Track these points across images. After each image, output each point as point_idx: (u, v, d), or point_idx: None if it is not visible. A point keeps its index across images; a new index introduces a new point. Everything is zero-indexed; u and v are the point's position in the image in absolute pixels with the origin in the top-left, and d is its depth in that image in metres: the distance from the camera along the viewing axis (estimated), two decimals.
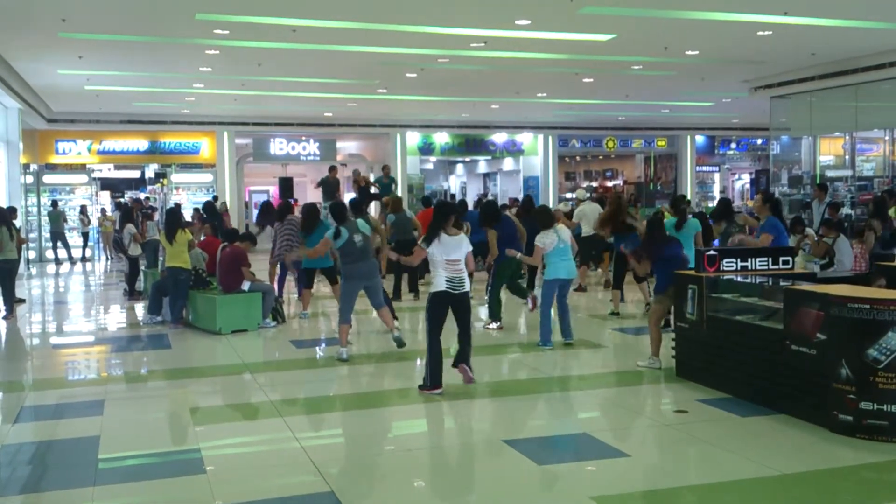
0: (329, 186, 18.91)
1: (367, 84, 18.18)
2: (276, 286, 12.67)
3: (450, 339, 7.75)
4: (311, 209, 11.85)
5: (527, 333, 10.50)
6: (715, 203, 29.01)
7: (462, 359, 7.49)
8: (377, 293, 9.10)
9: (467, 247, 7.47)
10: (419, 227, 13.29)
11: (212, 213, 16.58)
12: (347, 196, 22.91)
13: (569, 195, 24.95)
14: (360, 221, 9.15)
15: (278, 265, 12.96)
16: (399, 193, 21.16)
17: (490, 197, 28.45)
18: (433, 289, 7.42)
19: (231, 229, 12.60)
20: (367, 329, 11.16)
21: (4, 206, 15.80)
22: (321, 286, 13.39)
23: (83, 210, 22.57)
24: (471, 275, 7.65)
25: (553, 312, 9.40)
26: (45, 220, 22.26)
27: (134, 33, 12.64)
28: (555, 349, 9.36)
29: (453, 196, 28.82)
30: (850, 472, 5.36)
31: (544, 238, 9.22)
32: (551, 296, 9.31)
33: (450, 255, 7.31)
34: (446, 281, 7.31)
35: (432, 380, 7.34)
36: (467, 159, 30.66)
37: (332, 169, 19.63)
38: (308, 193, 32.12)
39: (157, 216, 21.69)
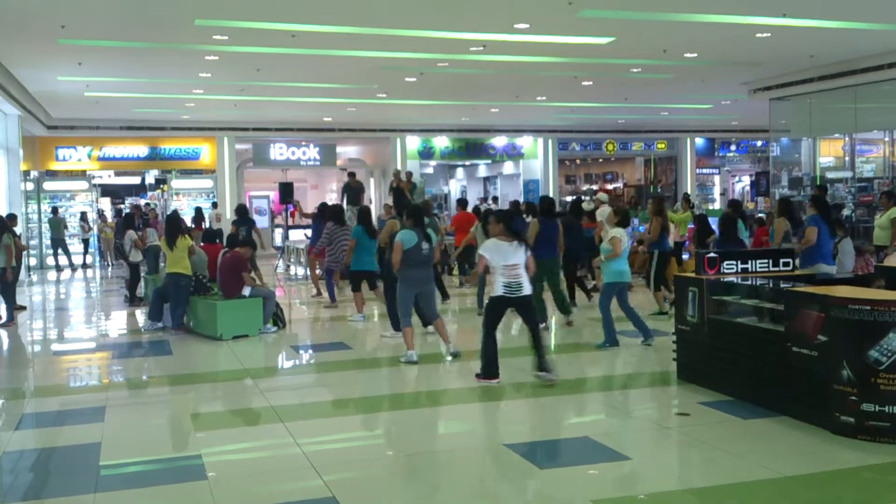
0: (353, 191, 19.10)
1: (367, 88, 18.19)
2: (325, 294, 12.98)
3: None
4: (366, 212, 12.22)
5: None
6: (716, 206, 29.18)
7: (540, 366, 7.73)
8: (430, 302, 9.09)
9: (525, 252, 7.64)
10: (442, 234, 13.37)
11: (243, 218, 16.43)
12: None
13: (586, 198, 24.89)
14: (429, 230, 9.13)
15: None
16: (418, 199, 21.30)
17: (490, 201, 28.47)
18: (492, 293, 7.69)
19: (232, 234, 12.60)
20: (376, 332, 11.16)
21: (4, 213, 15.83)
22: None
23: (83, 217, 22.58)
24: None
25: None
26: (45, 226, 22.26)
27: (133, 39, 12.64)
28: (558, 353, 9.36)
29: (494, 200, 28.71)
30: (851, 473, 5.35)
31: (623, 235, 9.37)
32: (610, 297, 9.41)
33: (507, 261, 7.51)
34: (504, 286, 7.55)
35: (486, 371, 7.68)
36: (467, 163, 30.66)
37: (352, 175, 19.82)
38: (308, 199, 32.17)
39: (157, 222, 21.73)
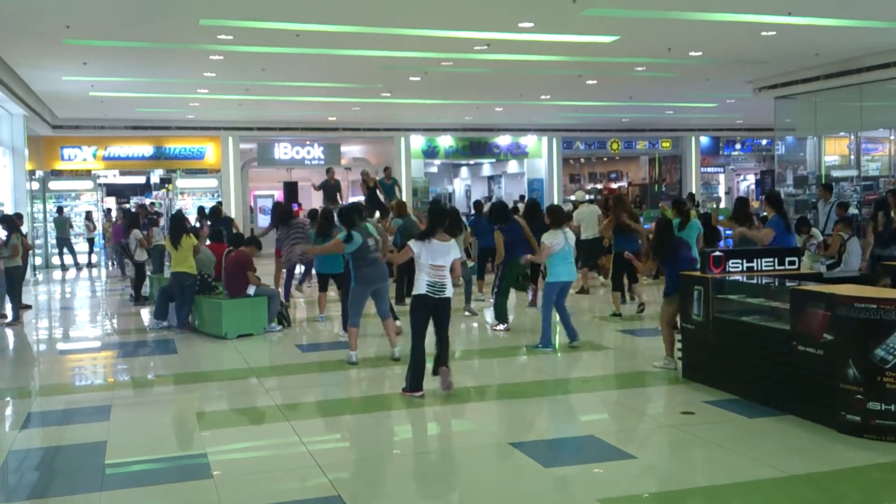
0: (330, 190, 18.88)
1: (371, 88, 18.18)
2: (281, 290, 12.69)
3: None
4: (326, 213, 11.92)
5: (533, 335, 10.49)
6: (721, 205, 29.15)
7: (440, 363, 7.46)
8: (384, 298, 9.09)
9: (455, 253, 7.45)
10: None
11: (215, 218, 16.38)
12: (352, 199, 22.95)
13: (571, 197, 25.00)
14: (369, 225, 9.12)
15: (284, 269, 13.05)
16: (403, 195, 21.19)
17: (494, 199, 28.46)
18: (414, 291, 7.42)
19: (236, 234, 12.60)
20: (374, 332, 11.16)
21: (10, 212, 15.87)
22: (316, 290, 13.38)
23: (88, 216, 22.62)
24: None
25: (554, 316, 9.39)
26: (50, 226, 22.31)
27: (138, 39, 12.66)
28: (560, 351, 9.36)
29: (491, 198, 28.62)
30: (857, 472, 5.34)
31: (553, 238, 9.17)
32: (552, 298, 9.28)
33: (436, 260, 7.28)
34: (427, 284, 7.29)
35: (412, 384, 7.36)
36: (471, 162, 30.64)
37: (330, 171, 19.56)
38: (312, 198, 32.29)
39: (162, 221, 21.76)
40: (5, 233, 12.48)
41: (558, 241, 9.13)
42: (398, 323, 10.22)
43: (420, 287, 7.32)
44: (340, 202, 18.60)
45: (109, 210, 24.40)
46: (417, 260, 7.34)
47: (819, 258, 11.88)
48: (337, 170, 28.71)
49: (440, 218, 7.49)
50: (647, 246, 11.81)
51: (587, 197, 15.48)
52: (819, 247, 12.11)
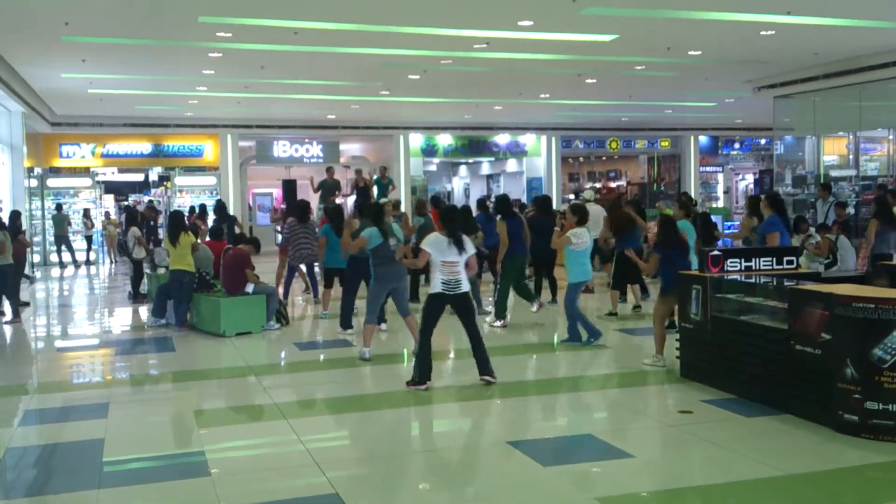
0: (328, 188, 18.92)
1: (370, 86, 18.18)
2: (280, 289, 12.67)
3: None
4: (339, 211, 11.97)
5: (531, 334, 10.50)
6: (720, 203, 29.16)
7: (484, 370, 7.64)
8: (403, 297, 9.08)
9: (468, 251, 7.56)
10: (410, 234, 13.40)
11: (222, 215, 16.37)
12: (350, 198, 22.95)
13: (584, 195, 24.92)
14: (395, 226, 9.14)
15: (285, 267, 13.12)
16: (398, 194, 21.23)
17: (493, 199, 28.41)
18: (430, 290, 7.62)
19: (239, 233, 12.59)
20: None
21: (8, 210, 15.85)
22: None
23: (86, 213, 22.60)
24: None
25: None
26: (49, 223, 22.30)
27: (137, 36, 12.64)
28: (558, 350, 9.37)
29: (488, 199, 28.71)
30: (855, 471, 5.35)
31: (580, 237, 9.30)
32: (576, 296, 9.43)
33: (446, 258, 7.42)
34: (442, 283, 7.47)
35: (420, 376, 7.53)
36: (470, 161, 30.63)
37: (330, 170, 19.60)
38: (311, 196, 32.27)
39: (161, 219, 21.76)
40: None
41: (584, 241, 9.27)
42: (383, 326, 10.34)
43: (435, 285, 7.53)
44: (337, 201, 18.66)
45: (108, 213, 24.34)
46: (431, 260, 7.50)
47: (817, 258, 11.89)
48: (336, 168, 28.82)
49: (449, 216, 7.73)
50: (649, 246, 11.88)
51: (595, 195, 15.64)
52: (815, 247, 12.11)
